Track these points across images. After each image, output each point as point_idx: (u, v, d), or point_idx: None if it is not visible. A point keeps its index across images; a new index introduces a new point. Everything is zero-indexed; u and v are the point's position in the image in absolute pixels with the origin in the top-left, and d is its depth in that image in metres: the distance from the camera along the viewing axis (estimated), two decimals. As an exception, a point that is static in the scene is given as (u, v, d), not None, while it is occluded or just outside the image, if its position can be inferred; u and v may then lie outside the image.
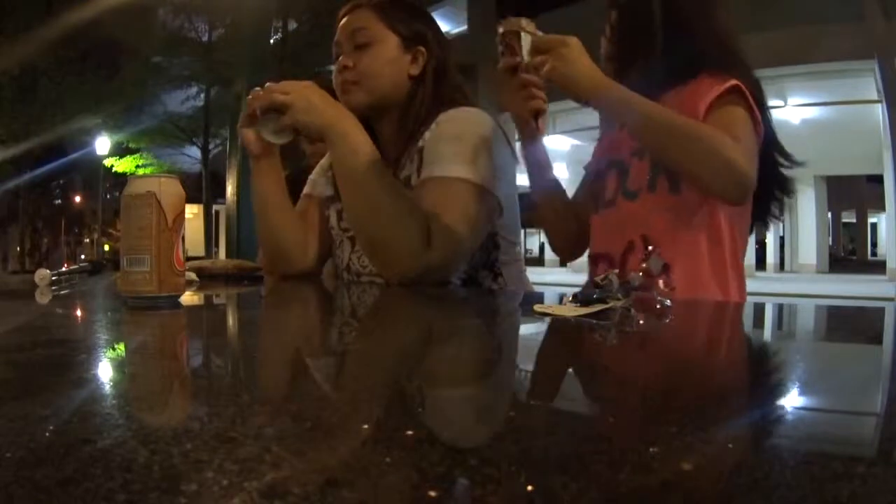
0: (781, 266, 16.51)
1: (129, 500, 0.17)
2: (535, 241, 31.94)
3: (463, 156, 0.99)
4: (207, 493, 0.18)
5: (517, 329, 0.67)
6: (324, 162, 1.24)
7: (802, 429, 0.28)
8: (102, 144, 13.54)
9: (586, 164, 1.20)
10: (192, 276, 1.01)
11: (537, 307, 0.62)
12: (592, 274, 1.09)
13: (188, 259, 0.86)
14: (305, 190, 1.26)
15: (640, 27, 1.02)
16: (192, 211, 13.44)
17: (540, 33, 1.01)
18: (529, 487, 0.19)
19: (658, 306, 0.68)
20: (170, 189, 0.70)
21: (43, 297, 0.92)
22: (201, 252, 13.24)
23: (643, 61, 1.01)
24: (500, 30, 1.03)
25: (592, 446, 0.24)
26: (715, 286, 0.96)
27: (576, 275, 12.31)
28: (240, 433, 0.24)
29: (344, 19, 1.13)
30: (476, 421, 0.29)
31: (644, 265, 0.79)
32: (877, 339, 0.61)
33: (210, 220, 13.86)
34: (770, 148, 0.98)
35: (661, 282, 0.79)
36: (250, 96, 1.05)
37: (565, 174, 16.78)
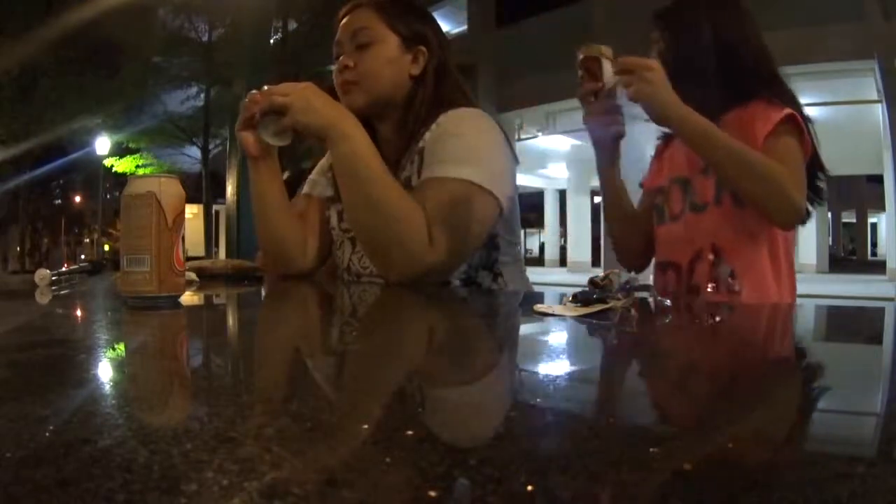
0: (781, 266, 16.45)
1: (129, 500, 0.17)
2: (535, 241, 31.96)
3: (463, 156, 0.99)
4: (207, 493, 0.18)
5: (517, 329, 0.67)
6: (323, 162, 1.24)
7: (802, 429, 0.28)
8: (102, 144, 13.54)
9: (642, 181, 1.29)
10: (192, 276, 1.01)
11: (537, 307, 0.62)
12: (658, 281, 1.20)
13: (188, 259, 0.86)
14: (305, 190, 1.26)
15: (693, 48, 1.09)
16: (192, 211, 13.43)
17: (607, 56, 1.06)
18: (529, 487, 0.19)
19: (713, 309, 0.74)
20: (170, 189, 0.70)
21: (43, 297, 0.92)
22: (201, 252, 13.24)
23: (698, 82, 1.07)
24: (581, 55, 1.07)
25: (592, 446, 0.24)
26: (775, 289, 1.06)
27: (576, 275, 12.31)
28: (240, 433, 0.24)
29: (345, 19, 1.13)
30: (476, 421, 0.29)
31: (713, 272, 0.99)
32: (877, 339, 0.61)
33: (210, 220, 13.86)
34: (812, 161, 1.07)
35: (726, 285, 1.00)
36: (247, 99, 1.05)
37: (565, 174, 16.85)
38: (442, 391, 0.36)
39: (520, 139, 13.11)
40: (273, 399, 0.32)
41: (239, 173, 11.75)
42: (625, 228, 1.26)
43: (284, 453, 0.21)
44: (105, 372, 0.38)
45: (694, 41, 1.09)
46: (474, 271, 1.08)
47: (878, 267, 12.71)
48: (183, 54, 12.35)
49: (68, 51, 10.94)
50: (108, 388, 0.34)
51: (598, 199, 16.07)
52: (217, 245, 14.60)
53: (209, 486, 0.18)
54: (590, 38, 1.09)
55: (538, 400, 0.31)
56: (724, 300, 1.04)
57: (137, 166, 13.35)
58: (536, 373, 0.40)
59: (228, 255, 11.75)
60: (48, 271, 1.12)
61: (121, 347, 0.48)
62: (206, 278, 1.15)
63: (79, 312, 0.81)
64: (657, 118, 1.02)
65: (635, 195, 1.26)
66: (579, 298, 0.62)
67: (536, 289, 1.18)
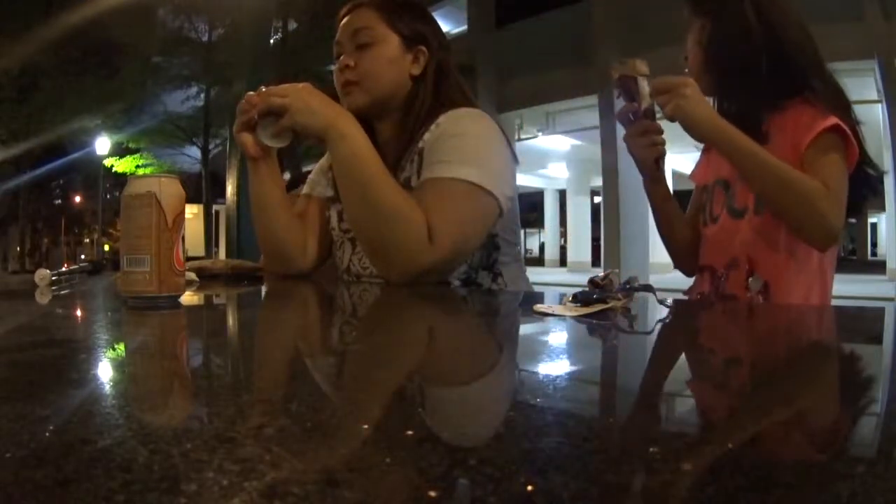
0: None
1: (129, 500, 0.17)
2: (535, 241, 31.95)
3: (463, 157, 0.99)
4: (207, 493, 0.18)
5: (517, 329, 0.67)
6: (323, 162, 1.24)
7: (802, 429, 0.28)
8: (102, 144, 13.55)
9: (691, 174, 1.25)
10: (192, 276, 1.01)
11: (537, 307, 0.62)
12: (697, 283, 1.17)
13: (188, 259, 0.86)
14: (305, 190, 1.26)
15: (737, 37, 1.05)
16: (192, 211, 13.45)
17: (643, 70, 1.03)
18: (529, 487, 0.19)
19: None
20: (170, 189, 0.70)
21: (43, 297, 0.92)
22: (201, 252, 13.25)
23: (742, 70, 1.04)
24: (616, 74, 1.04)
25: (592, 446, 0.24)
26: (812, 302, 1.03)
27: (576, 275, 12.31)
28: (240, 433, 0.24)
29: (345, 19, 1.13)
30: (476, 421, 0.29)
31: (747, 281, 0.99)
32: (876, 339, 0.61)
33: (210, 220, 13.88)
34: (862, 160, 1.03)
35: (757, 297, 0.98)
36: (244, 101, 1.05)
37: (565, 174, 16.85)
38: (442, 391, 0.36)
39: (520, 139, 13.11)
40: (273, 399, 0.32)
41: (239, 173, 11.76)
42: (679, 236, 1.22)
43: (284, 453, 0.21)
44: (105, 372, 0.38)
45: (737, 25, 1.04)
46: (474, 271, 1.08)
47: (878, 267, 12.72)
48: (183, 54, 12.36)
49: (68, 51, 10.95)
50: (108, 388, 0.34)
51: (598, 199, 16.07)
52: (217, 245, 14.62)
53: (209, 486, 0.18)
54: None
55: (538, 400, 0.31)
56: (730, 301, 1.03)
57: (137, 166, 13.36)
58: (536, 373, 0.40)
59: (228, 255, 11.77)
60: (48, 271, 1.12)
61: (121, 347, 0.48)
62: (206, 278, 1.15)
63: (79, 312, 0.81)
64: (695, 135, 1.00)
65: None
66: (579, 298, 0.62)
67: (536, 289, 1.18)
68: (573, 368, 0.43)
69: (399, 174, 1.07)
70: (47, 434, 0.24)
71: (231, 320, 0.76)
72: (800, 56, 1.04)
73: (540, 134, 13.39)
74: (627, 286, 0.66)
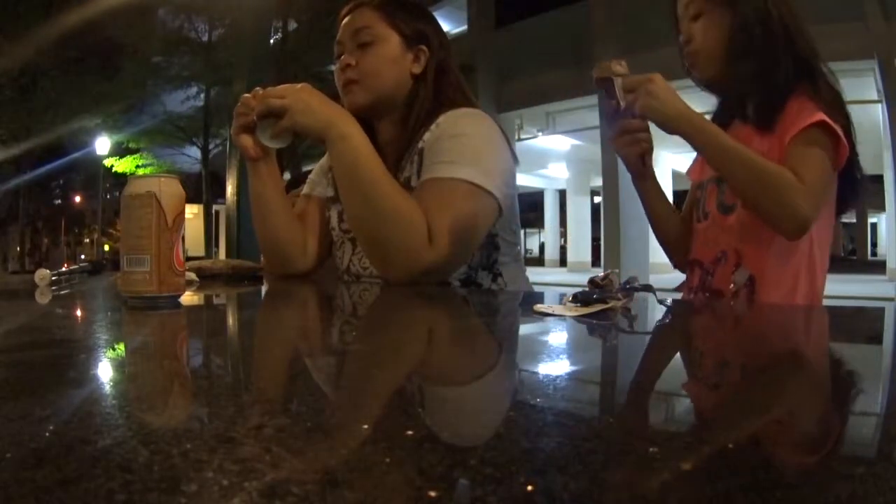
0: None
1: (129, 500, 0.17)
2: (535, 241, 31.95)
3: (463, 157, 0.99)
4: (207, 493, 0.18)
5: (517, 329, 0.67)
6: (323, 162, 1.24)
7: (802, 429, 0.28)
8: (102, 144, 13.56)
9: (687, 171, 1.26)
10: (192, 276, 1.01)
11: (537, 307, 0.62)
12: (687, 279, 1.17)
13: (188, 259, 0.86)
14: (305, 190, 1.26)
15: (758, 24, 1.04)
16: (192, 211, 13.46)
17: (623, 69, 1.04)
18: (529, 487, 0.19)
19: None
20: (170, 189, 0.70)
21: (43, 297, 0.92)
22: (201, 252, 13.26)
23: (763, 60, 1.03)
24: (595, 76, 1.05)
25: (592, 446, 0.24)
26: (799, 298, 1.03)
27: (576, 275, 12.31)
28: (240, 433, 0.24)
29: (346, 18, 1.13)
30: (476, 421, 0.29)
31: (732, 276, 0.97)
32: (876, 339, 0.61)
33: (210, 220, 13.88)
34: (851, 158, 1.02)
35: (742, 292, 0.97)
36: (242, 103, 1.05)
37: (565, 174, 16.85)
38: (442, 391, 0.36)
39: (520, 139, 13.11)
40: (273, 399, 0.32)
41: (239, 173, 11.75)
42: (671, 232, 1.22)
43: (284, 453, 0.21)
44: (105, 372, 0.38)
45: (759, 12, 1.03)
46: (474, 271, 1.08)
47: (878, 267, 12.70)
48: (183, 54, 12.36)
49: (68, 51, 10.95)
50: (108, 388, 0.34)
51: (597, 199, 16.07)
52: (217, 245, 14.62)
53: (209, 486, 0.18)
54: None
55: (538, 400, 0.31)
56: (730, 302, 1.03)
57: (137, 166, 13.37)
58: (536, 373, 0.40)
59: (228, 255, 11.76)
60: (48, 271, 1.12)
61: (121, 347, 0.48)
62: (206, 278, 1.15)
63: (79, 312, 0.81)
64: (665, 129, 1.00)
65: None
66: (579, 298, 0.62)
67: (536, 289, 1.18)
68: (573, 368, 0.43)
69: (399, 174, 1.07)
70: (47, 434, 0.23)
71: (231, 320, 0.76)
72: (805, 47, 1.04)
73: (540, 134, 13.40)
74: (627, 286, 0.66)
